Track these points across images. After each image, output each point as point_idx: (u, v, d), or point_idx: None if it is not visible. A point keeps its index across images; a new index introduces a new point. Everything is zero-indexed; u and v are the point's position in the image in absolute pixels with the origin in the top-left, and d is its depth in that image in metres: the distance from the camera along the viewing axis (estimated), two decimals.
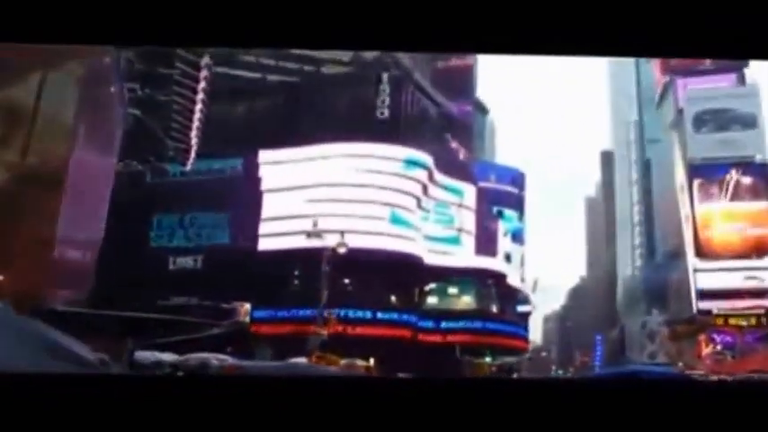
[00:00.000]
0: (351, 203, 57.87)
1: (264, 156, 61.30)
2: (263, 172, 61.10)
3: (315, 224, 44.94)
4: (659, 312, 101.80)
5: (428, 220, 64.99)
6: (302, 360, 34.21)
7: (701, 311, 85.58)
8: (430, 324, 59.43)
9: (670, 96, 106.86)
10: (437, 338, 58.92)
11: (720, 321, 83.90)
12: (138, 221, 58.66)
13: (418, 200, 63.35)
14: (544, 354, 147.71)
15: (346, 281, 50.83)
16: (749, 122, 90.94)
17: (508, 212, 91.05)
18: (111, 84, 51.29)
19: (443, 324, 60.17)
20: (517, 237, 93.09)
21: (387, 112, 66.07)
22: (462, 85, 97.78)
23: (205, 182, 59.29)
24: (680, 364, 69.94)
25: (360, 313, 53.37)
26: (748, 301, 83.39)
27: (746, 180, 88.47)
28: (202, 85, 62.79)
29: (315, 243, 44.74)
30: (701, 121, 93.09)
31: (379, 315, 55.29)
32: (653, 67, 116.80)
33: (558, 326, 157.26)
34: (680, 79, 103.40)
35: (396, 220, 60.05)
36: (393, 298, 58.05)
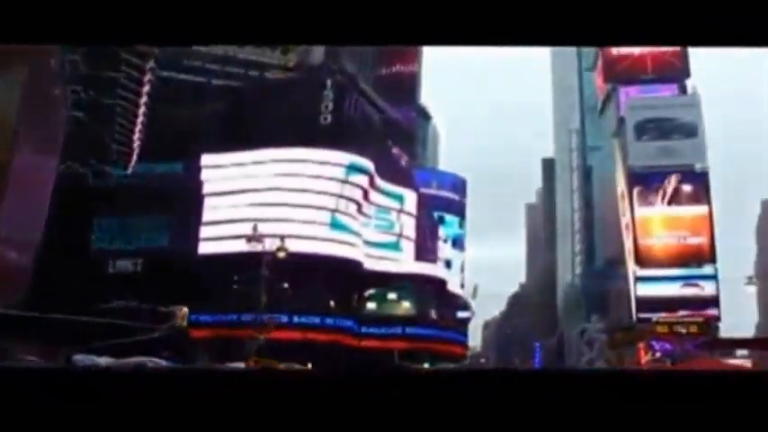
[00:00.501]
0: (292, 208, 58.13)
1: (207, 160, 61.53)
2: (205, 176, 61.26)
3: (255, 228, 45.00)
4: (598, 319, 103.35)
5: (369, 225, 65.39)
6: (240, 365, 34.16)
7: (640, 319, 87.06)
8: (368, 329, 59.76)
9: (612, 105, 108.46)
10: (375, 344, 59.21)
11: (660, 329, 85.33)
12: (79, 224, 58.37)
13: (359, 205, 63.69)
14: (483, 360, 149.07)
15: (286, 285, 50.82)
16: (690, 131, 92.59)
17: (449, 218, 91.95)
18: (56, 86, 50.90)
19: (382, 330, 60.52)
20: (458, 243, 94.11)
21: (330, 118, 66.30)
22: (406, 91, 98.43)
23: (147, 185, 59.02)
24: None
25: (298, 318, 53.61)
26: (687, 309, 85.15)
27: (686, 188, 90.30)
28: (146, 88, 62.74)
29: (255, 247, 44.80)
30: (642, 129, 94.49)
31: (318, 320, 55.56)
32: (596, 75, 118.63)
33: (498, 332, 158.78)
34: (622, 88, 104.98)
35: (336, 225, 60.37)
36: (332, 303, 58.26)
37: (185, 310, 45.30)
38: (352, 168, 62.82)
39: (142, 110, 62.59)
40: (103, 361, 31.47)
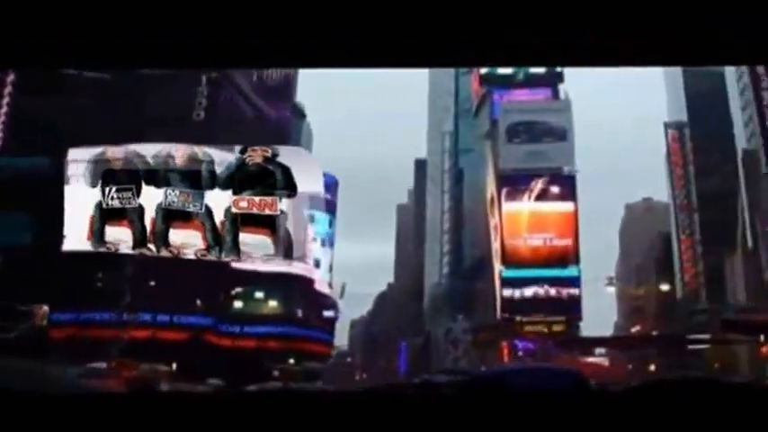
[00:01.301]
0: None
1: (74, 154, 59.55)
2: (71, 171, 59.46)
3: None
4: (464, 319, 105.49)
5: None
6: (101, 365, 33.93)
7: (504, 318, 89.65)
8: (235, 328, 59.86)
9: (486, 108, 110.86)
10: (242, 343, 59.40)
11: (523, 328, 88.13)
12: None
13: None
14: (349, 359, 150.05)
15: (151, 284, 50.34)
16: (560, 135, 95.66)
17: (319, 217, 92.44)
18: None
19: (248, 328, 60.73)
20: (327, 242, 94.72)
21: (203, 114, 65.81)
22: (282, 90, 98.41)
23: (9, 180, 57.29)
24: (482, 369, 71.45)
25: (163, 317, 53.20)
26: (550, 309, 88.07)
27: (554, 191, 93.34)
28: (11, 78, 60.90)
29: None
30: (514, 132, 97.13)
31: (183, 319, 55.23)
32: (472, 78, 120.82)
33: (364, 332, 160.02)
34: (496, 91, 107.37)
35: None
36: (198, 301, 57.97)
37: (45, 308, 44.43)
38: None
39: (6, 100, 60.77)
40: None
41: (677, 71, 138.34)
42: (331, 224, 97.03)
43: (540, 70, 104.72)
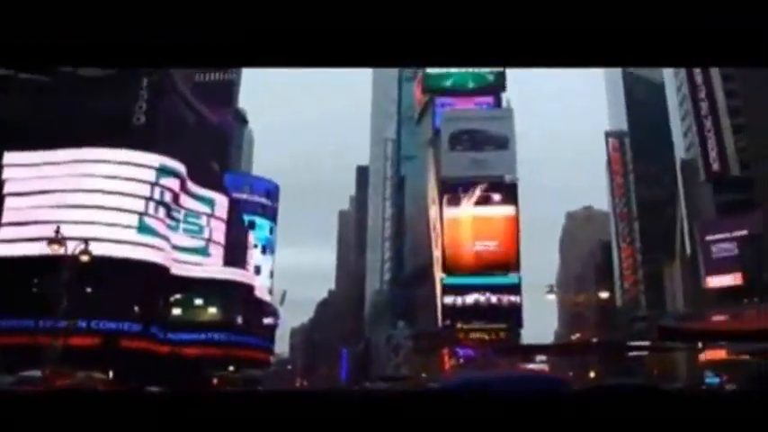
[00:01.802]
0: (98, 210, 56.65)
1: (9, 158, 58.90)
2: (7, 175, 58.71)
3: (57, 230, 43.70)
4: (405, 326, 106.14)
5: (178, 229, 64.96)
6: (35, 373, 33.36)
7: (445, 326, 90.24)
8: (173, 336, 59.37)
9: (429, 115, 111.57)
10: (180, 350, 58.94)
11: (464, 335, 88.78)
12: None
13: (168, 209, 63.07)
14: (289, 366, 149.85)
15: (88, 290, 49.61)
16: (502, 144, 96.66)
17: (260, 224, 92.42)
18: None
19: (186, 336, 60.30)
20: (268, 249, 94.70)
21: (143, 118, 65.19)
22: (224, 95, 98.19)
23: None
24: (423, 375, 72.17)
25: (100, 324, 52.40)
26: (491, 316, 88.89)
27: (496, 199, 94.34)
28: None
29: (57, 250, 43.47)
30: (456, 140, 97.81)
31: (121, 326, 54.57)
32: (415, 85, 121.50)
33: (305, 339, 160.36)
34: (439, 99, 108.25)
35: (144, 229, 59.48)
36: (136, 308, 57.36)
37: None
38: (163, 171, 62.07)
39: None
40: None
41: (618, 80, 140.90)
42: (272, 231, 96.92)
43: (486, 76, 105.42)
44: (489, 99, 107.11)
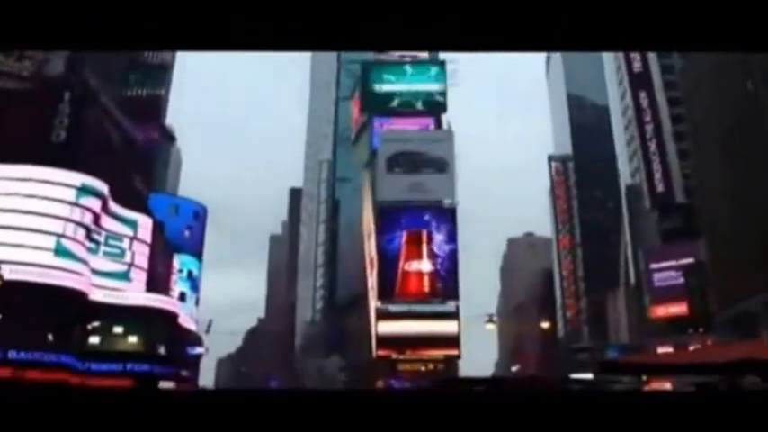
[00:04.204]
0: (12, 231, 54.93)
1: None
2: None
3: None
4: (338, 356, 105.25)
5: (98, 252, 63.38)
6: None
7: (380, 356, 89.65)
8: (89, 366, 57.56)
9: (366, 135, 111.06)
10: (97, 382, 57.26)
11: (399, 366, 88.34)
12: None
13: (89, 230, 61.51)
14: None
15: None
16: (440, 167, 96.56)
17: (186, 247, 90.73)
18: None
19: (104, 366, 58.43)
20: (193, 275, 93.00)
21: (64, 135, 63.74)
22: (151, 112, 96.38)
23: None
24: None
25: (11, 353, 50.81)
26: (428, 346, 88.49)
27: (434, 224, 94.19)
28: None
29: None
30: (394, 162, 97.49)
31: (34, 355, 52.74)
32: (352, 105, 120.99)
33: (232, 370, 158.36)
34: (377, 119, 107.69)
35: (61, 251, 57.77)
36: (50, 336, 55.61)
37: None
38: (84, 190, 60.41)
39: None
40: None
41: (563, 103, 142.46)
42: (199, 255, 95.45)
43: (435, 95, 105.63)
44: (429, 120, 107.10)
